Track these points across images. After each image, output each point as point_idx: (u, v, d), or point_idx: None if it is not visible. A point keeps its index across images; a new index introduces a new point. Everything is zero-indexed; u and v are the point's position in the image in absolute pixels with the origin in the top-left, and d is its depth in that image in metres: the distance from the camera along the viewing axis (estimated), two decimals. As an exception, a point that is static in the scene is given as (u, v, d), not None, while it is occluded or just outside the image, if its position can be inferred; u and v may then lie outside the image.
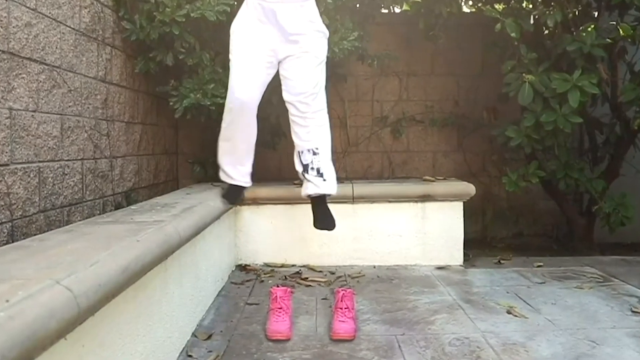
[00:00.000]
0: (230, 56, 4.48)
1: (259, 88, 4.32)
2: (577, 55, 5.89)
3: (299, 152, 4.35)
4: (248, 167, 4.62)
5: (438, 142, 8.33)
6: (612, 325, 4.06)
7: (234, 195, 4.72)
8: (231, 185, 4.67)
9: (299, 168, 4.40)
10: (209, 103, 5.93)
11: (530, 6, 6.34)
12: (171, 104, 6.16)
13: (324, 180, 4.27)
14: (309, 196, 4.47)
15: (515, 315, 4.29)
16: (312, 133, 4.23)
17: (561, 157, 6.62)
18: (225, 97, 5.98)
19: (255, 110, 4.30)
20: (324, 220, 4.40)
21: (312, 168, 4.24)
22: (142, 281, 2.77)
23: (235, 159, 4.54)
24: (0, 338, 1.57)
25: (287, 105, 4.29)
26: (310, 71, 4.20)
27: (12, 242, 3.66)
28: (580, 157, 7.48)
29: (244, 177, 4.63)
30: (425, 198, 5.94)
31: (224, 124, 4.51)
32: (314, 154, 4.22)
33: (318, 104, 4.23)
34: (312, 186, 4.32)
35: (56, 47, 4.65)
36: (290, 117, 4.31)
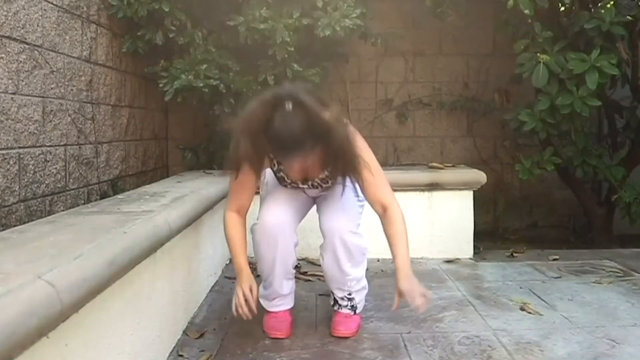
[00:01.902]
0: None
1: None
2: (596, 34, 5.88)
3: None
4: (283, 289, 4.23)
5: (446, 126, 8.34)
6: (634, 322, 4.05)
7: None
8: None
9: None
10: (201, 85, 5.94)
11: (546, -20, 6.32)
12: (161, 85, 6.17)
13: (354, 313, 4.03)
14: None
15: (529, 312, 4.29)
16: (352, 279, 4.00)
17: (578, 142, 6.61)
18: (218, 79, 6.00)
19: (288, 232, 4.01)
20: (341, 325, 4.04)
21: (349, 299, 4.01)
22: (129, 276, 2.76)
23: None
24: (-22, 337, 1.57)
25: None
26: (352, 206, 4.03)
27: (-9, 233, 3.65)
28: (598, 142, 7.47)
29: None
30: (432, 187, 5.94)
31: None
32: (349, 294, 4.02)
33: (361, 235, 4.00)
34: (343, 311, 4.05)
35: (37, 25, 4.64)
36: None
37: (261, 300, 4.10)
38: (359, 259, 3.92)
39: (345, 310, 4.00)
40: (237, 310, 3.70)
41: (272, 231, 3.90)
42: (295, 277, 5.08)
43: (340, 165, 3.58)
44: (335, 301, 4.03)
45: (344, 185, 3.75)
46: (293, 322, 4.08)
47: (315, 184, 3.88)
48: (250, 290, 3.78)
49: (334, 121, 3.39)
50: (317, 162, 3.63)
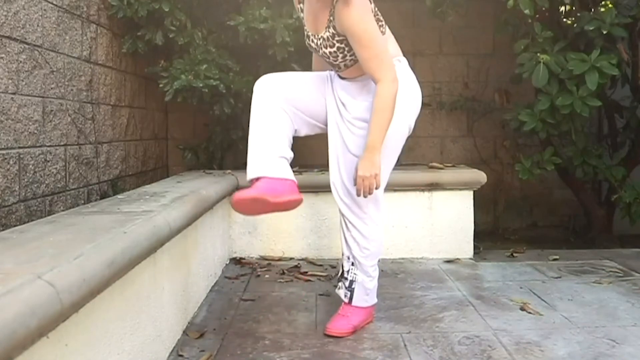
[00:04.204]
0: None
1: None
2: (596, 34, 5.89)
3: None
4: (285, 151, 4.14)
5: (446, 126, 8.36)
6: (634, 322, 4.06)
7: None
8: None
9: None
10: (201, 85, 5.95)
11: (546, -19, 6.33)
12: (161, 85, 6.18)
13: (350, 299, 4.00)
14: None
15: (530, 312, 4.29)
16: (354, 242, 4.02)
17: (578, 142, 6.62)
18: (218, 79, 6.00)
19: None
20: (335, 324, 4.00)
21: (346, 278, 4.04)
22: (129, 276, 2.76)
23: None
24: (-22, 337, 1.57)
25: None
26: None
27: (-9, 233, 3.65)
28: (598, 142, 7.49)
29: None
30: (432, 187, 5.93)
31: None
32: (352, 264, 4.04)
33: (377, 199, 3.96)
34: (341, 292, 4.10)
35: (37, 25, 4.64)
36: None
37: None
38: (367, 220, 3.95)
39: (342, 292, 4.03)
40: None
41: (278, 96, 3.93)
42: (295, 277, 5.11)
43: None
44: (342, 275, 4.07)
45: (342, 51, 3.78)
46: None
47: (320, 41, 3.83)
48: None
49: None
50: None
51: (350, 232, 3.96)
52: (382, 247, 4.18)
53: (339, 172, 3.95)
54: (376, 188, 3.64)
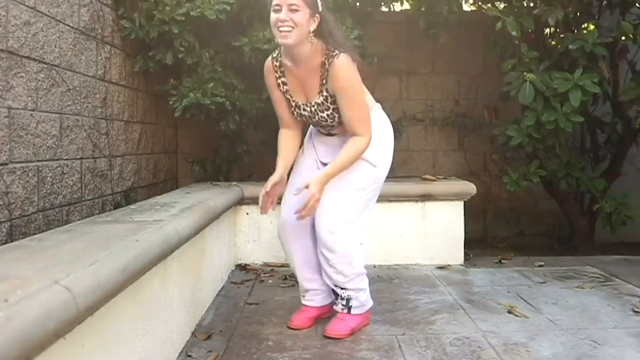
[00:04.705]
0: None
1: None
2: (579, 54, 5.90)
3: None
4: (305, 283, 4.23)
5: (438, 141, 8.36)
6: (614, 325, 4.06)
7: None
8: None
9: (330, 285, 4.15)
10: (208, 102, 5.96)
11: (531, 4, 6.35)
12: (170, 103, 6.19)
13: (351, 313, 4.00)
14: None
15: (517, 315, 4.29)
16: (338, 273, 3.96)
17: (562, 156, 6.64)
18: (224, 97, 6.01)
19: (301, 227, 4.07)
20: (333, 327, 3.98)
21: (342, 297, 4.01)
22: (141, 281, 2.77)
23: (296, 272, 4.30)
24: (-1, 338, 1.57)
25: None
26: (343, 200, 3.91)
27: (11, 241, 3.66)
28: (581, 156, 7.50)
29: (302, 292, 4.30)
30: (425, 197, 5.93)
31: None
32: (342, 289, 4.00)
33: (346, 233, 3.91)
34: (338, 308, 4.06)
35: (55, 46, 4.65)
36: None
37: (300, 292, 4.27)
38: (341, 254, 3.87)
39: (339, 308, 4.02)
40: (261, 203, 3.94)
41: (288, 227, 4.10)
42: (296, 282, 5.08)
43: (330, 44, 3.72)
44: (336, 294, 4.05)
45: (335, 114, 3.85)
46: (315, 319, 4.15)
47: (315, 107, 3.87)
48: (275, 188, 3.94)
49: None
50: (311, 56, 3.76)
51: (334, 252, 3.91)
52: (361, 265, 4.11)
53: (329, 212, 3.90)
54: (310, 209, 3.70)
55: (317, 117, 3.92)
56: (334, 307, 4.08)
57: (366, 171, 3.92)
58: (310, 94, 3.91)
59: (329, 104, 3.82)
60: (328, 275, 3.96)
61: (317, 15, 3.68)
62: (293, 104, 4.01)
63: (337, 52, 3.69)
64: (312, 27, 3.66)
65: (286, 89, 4.01)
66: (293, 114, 4.06)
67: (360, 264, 4.00)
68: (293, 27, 3.59)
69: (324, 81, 3.78)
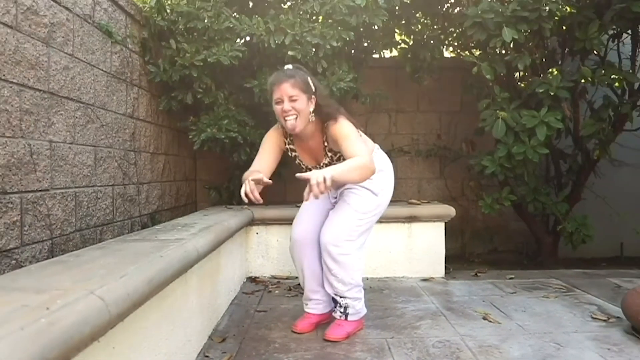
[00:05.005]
0: None
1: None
2: (545, 95, 5.93)
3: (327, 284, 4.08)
4: (310, 294, 4.23)
5: (423, 170, 8.38)
6: (575, 330, 4.05)
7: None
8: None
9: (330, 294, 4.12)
10: (223, 137, 5.98)
11: (503, 52, 6.37)
12: (190, 137, 6.23)
13: (348, 320, 3.99)
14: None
15: (490, 321, 4.28)
16: (339, 282, 3.95)
17: (530, 183, 6.65)
18: (237, 132, 6.03)
19: (310, 247, 4.11)
20: (332, 332, 3.96)
21: (341, 305, 4.00)
22: (165, 291, 2.77)
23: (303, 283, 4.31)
24: (42, 341, 1.58)
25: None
26: (347, 220, 3.90)
27: (52, 257, 3.66)
28: (546, 183, 7.52)
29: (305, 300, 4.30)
30: (411, 219, 5.93)
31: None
32: (341, 297, 3.98)
33: (348, 248, 3.88)
34: (337, 315, 4.05)
35: (90, 88, 4.68)
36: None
37: (303, 301, 4.30)
38: (343, 265, 3.86)
39: (337, 315, 4.02)
40: (246, 195, 3.52)
41: (298, 246, 4.12)
42: (300, 293, 5.08)
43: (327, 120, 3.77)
44: (335, 302, 4.04)
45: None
46: (316, 325, 4.17)
47: (323, 167, 3.73)
48: (258, 181, 3.60)
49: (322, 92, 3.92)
50: (316, 136, 3.88)
51: (336, 262, 3.89)
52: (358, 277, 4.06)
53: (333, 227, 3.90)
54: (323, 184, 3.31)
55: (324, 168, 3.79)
56: (333, 314, 4.07)
57: (369, 199, 3.95)
58: (318, 158, 4.00)
59: (334, 162, 3.87)
60: (330, 283, 3.95)
61: (313, 96, 3.77)
62: (304, 167, 4.08)
63: (336, 118, 3.76)
64: (311, 108, 3.77)
65: (295, 155, 4.09)
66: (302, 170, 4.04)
67: (358, 275, 3.98)
68: (297, 115, 3.70)
69: (326, 143, 3.88)
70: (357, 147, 3.65)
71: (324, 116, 3.80)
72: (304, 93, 3.71)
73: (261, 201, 3.58)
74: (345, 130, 3.69)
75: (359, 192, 3.94)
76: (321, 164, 3.95)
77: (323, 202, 4.14)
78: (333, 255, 3.83)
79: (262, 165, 3.93)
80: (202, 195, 8.06)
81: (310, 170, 3.96)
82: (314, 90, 3.79)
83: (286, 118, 3.71)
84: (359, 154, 3.59)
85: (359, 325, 4.09)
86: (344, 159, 3.70)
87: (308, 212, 4.17)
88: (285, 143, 4.06)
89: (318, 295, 4.17)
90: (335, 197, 4.14)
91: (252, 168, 3.89)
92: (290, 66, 3.93)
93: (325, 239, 3.85)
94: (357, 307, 4.03)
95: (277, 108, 3.77)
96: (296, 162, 4.13)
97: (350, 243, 3.88)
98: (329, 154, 3.91)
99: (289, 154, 4.09)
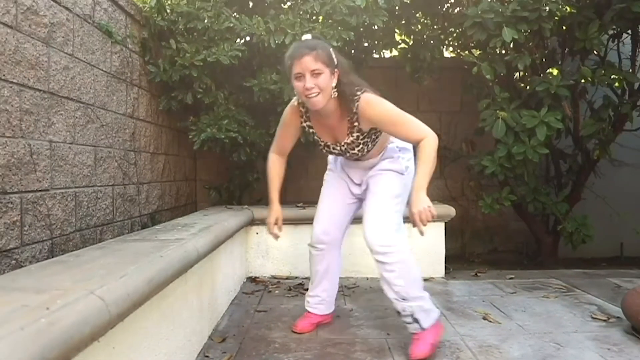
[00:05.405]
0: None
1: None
2: (545, 95, 5.92)
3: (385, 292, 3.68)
4: (320, 292, 4.20)
5: (423, 170, 8.35)
6: (575, 330, 4.05)
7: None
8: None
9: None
10: (223, 137, 5.99)
11: (503, 52, 6.37)
12: (190, 137, 6.24)
13: (424, 329, 3.57)
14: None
15: (490, 321, 4.28)
16: (398, 277, 3.59)
17: (530, 183, 6.64)
18: (237, 132, 6.02)
19: (330, 246, 4.10)
20: (414, 350, 3.54)
21: (406, 315, 3.58)
22: (165, 291, 2.77)
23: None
24: (42, 341, 1.58)
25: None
26: (385, 210, 3.67)
27: (52, 257, 3.67)
28: (546, 183, 7.53)
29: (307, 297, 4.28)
30: (411, 219, 5.91)
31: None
32: (403, 299, 3.56)
33: (395, 240, 3.60)
34: (411, 328, 3.62)
35: (90, 88, 4.68)
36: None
37: (306, 299, 4.26)
38: (397, 259, 3.54)
39: (412, 329, 3.60)
40: (271, 232, 3.99)
41: (318, 245, 4.08)
42: (300, 293, 5.10)
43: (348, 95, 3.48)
44: (399, 314, 3.63)
45: (369, 144, 3.65)
46: (317, 325, 4.16)
47: (345, 146, 3.65)
48: (276, 221, 4.00)
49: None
50: (335, 111, 3.55)
51: (389, 266, 3.58)
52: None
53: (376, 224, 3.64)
54: (431, 216, 3.33)
55: (347, 153, 3.72)
56: (410, 330, 3.62)
57: (396, 180, 3.74)
58: (339, 137, 3.66)
59: (359, 142, 3.61)
60: (388, 281, 3.56)
61: (336, 70, 3.45)
62: (322, 143, 3.78)
63: (357, 94, 3.47)
64: (334, 83, 3.43)
65: (312, 132, 3.77)
66: (323, 151, 3.86)
67: (415, 268, 3.65)
68: (319, 92, 3.36)
69: (355, 123, 3.54)
70: (412, 128, 3.47)
71: (346, 92, 3.48)
72: (327, 67, 3.37)
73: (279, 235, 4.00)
74: (380, 110, 3.48)
75: (384, 177, 3.75)
76: (342, 143, 3.66)
77: (342, 196, 4.02)
78: (385, 252, 3.55)
79: (281, 146, 3.94)
80: (202, 195, 8.07)
81: (328, 147, 3.76)
82: (336, 63, 3.45)
83: (308, 96, 3.37)
84: (417, 136, 3.43)
85: (438, 330, 3.70)
86: (373, 138, 3.63)
87: (327, 210, 4.06)
88: (301, 122, 3.76)
89: (324, 295, 4.16)
90: (359, 185, 3.92)
91: (272, 148, 4.01)
92: (309, 36, 3.58)
93: (372, 240, 3.59)
94: (426, 307, 3.61)
95: (297, 85, 3.40)
96: (314, 138, 3.82)
97: (396, 235, 3.59)
98: (356, 134, 3.58)
99: (306, 130, 3.79)
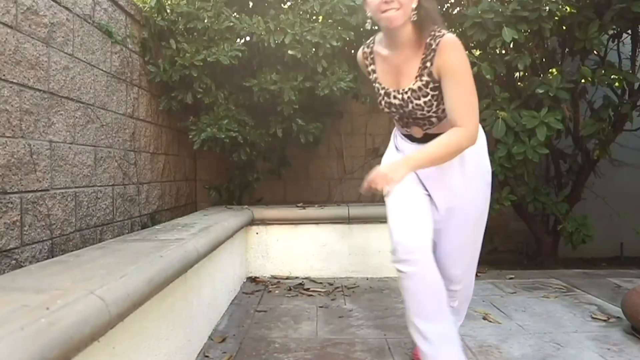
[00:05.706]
0: None
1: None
2: (545, 96, 5.92)
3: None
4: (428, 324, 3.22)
5: (423, 170, 8.34)
6: (575, 329, 4.05)
7: None
8: None
9: None
10: (223, 136, 5.99)
11: (503, 52, 6.37)
12: (190, 137, 6.23)
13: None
14: None
15: (490, 321, 4.29)
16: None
17: (530, 183, 6.64)
18: (237, 132, 6.02)
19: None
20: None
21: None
22: (165, 291, 2.77)
23: None
24: (42, 341, 1.58)
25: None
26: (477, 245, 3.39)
27: (52, 257, 3.66)
28: (546, 183, 7.51)
29: None
30: (411, 219, 5.91)
31: None
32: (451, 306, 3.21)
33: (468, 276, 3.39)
34: None
35: (90, 88, 4.68)
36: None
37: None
38: (463, 286, 3.45)
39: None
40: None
41: (411, 262, 3.21)
42: (300, 293, 5.09)
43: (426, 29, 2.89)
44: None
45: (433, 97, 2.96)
46: None
47: (409, 94, 3.00)
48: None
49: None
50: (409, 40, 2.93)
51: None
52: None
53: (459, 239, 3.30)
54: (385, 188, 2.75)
55: (410, 105, 3.04)
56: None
57: (487, 184, 3.42)
58: (404, 81, 3.05)
59: (428, 90, 2.96)
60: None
61: None
62: (382, 91, 3.16)
63: (443, 31, 2.90)
64: (414, 4, 2.82)
65: (375, 77, 3.21)
66: (380, 104, 3.21)
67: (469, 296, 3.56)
68: (399, 8, 2.77)
69: (428, 64, 2.92)
70: (468, 105, 2.91)
71: (427, 20, 2.90)
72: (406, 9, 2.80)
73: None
74: (459, 61, 2.90)
75: (476, 182, 3.29)
76: (406, 89, 3.04)
77: (417, 186, 3.21)
78: (463, 293, 3.44)
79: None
80: (202, 195, 8.06)
81: (388, 96, 3.14)
82: None
83: (386, 10, 2.77)
84: (463, 118, 2.86)
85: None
86: (443, 98, 2.94)
87: (409, 210, 3.15)
88: (366, 65, 3.25)
89: (440, 327, 3.10)
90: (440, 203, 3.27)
91: None
92: None
93: (458, 279, 3.35)
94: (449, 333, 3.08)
95: (371, 1, 2.84)
96: (374, 86, 3.25)
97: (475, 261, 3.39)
98: (425, 78, 2.96)
99: (369, 77, 3.26)
